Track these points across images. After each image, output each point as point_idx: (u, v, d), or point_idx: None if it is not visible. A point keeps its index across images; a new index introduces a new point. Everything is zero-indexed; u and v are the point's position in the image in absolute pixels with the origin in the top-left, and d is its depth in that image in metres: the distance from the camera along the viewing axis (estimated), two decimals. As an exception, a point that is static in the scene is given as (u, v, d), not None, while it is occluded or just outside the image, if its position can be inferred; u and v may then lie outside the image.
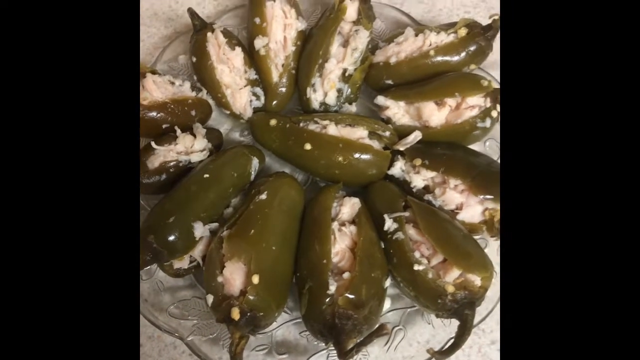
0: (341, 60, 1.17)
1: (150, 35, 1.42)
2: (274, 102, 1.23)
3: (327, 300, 0.89)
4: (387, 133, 1.11)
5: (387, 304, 1.00)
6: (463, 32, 1.15)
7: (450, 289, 0.90)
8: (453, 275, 0.92)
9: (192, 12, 1.18)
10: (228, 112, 1.21)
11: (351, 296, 0.88)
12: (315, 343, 1.01)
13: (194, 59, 1.19)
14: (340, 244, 0.97)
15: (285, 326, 1.04)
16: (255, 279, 0.89)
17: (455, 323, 0.93)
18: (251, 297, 0.88)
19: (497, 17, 1.12)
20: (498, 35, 1.17)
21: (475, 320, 0.93)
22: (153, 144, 1.06)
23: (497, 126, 1.16)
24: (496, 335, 1.07)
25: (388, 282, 0.96)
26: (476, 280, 0.92)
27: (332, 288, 0.89)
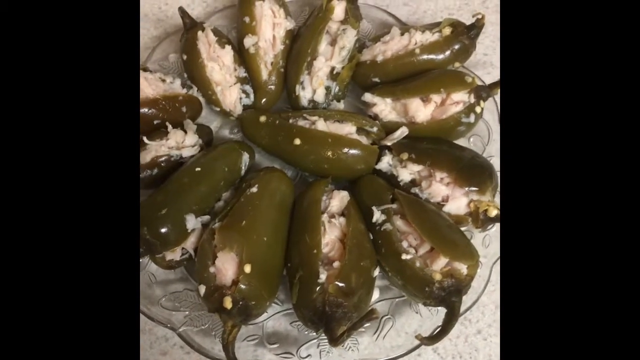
0: (329, 58, 1.20)
1: (140, 35, 1.44)
2: (264, 100, 1.25)
3: (318, 288, 0.90)
4: (375, 129, 1.14)
5: (375, 294, 1.01)
6: (447, 31, 1.18)
7: (438, 277, 0.92)
8: (440, 263, 0.94)
9: (182, 11, 1.21)
10: (218, 109, 1.23)
11: (341, 284, 0.90)
12: (306, 333, 1.02)
13: (185, 57, 1.21)
14: (330, 235, 0.99)
15: (276, 317, 1.05)
16: (247, 268, 0.90)
17: (442, 313, 0.96)
18: (243, 286, 0.90)
19: (480, 17, 1.16)
20: (481, 35, 1.21)
21: (461, 309, 0.96)
22: (145, 139, 1.07)
23: (481, 122, 1.20)
24: (482, 324, 1.10)
25: (377, 272, 0.98)
26: (462, 268, 0.94)
27: (323, 277, 0.91)
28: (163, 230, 0.96)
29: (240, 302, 0.90)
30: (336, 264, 0.94)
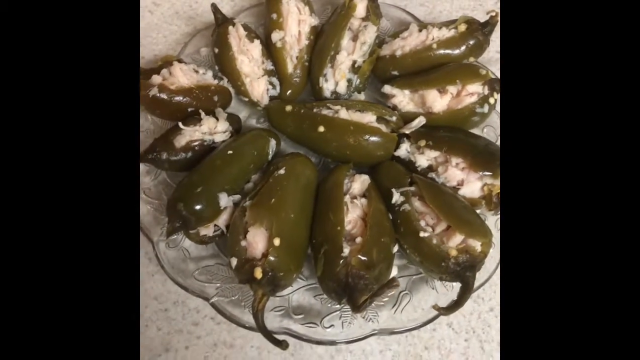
0: (351, 52, 1.28)
1: (172, 32, 1.52)
2: (289, 91, 1.33)
3: (341, 262, 0.97)
4: (394, 118, 1.21)
5: (394, 271, 1.08)
6: (463, 27, 1.25)
7: (453, 252, 0.98)
8: (456, 240, 1.00)
9: (215, 7, 1.29)
10: (246, 99, 1.31)
11: (363, 258, 0.97)
12: (329, 305, 1.09)
13: (216, 50, 1.30)
14: (352, 214, 1.06)
15: (300, 291, 1.12)
16: (277, 242, 0.97)
17: (456, 289, 1.02)
18: (272, 258, 0.97)
19: (494, 14, 1.23)
20: (494, 33, 1.28)
21: (475, 286, 1.02)
22: (180, 124, 1.15)
23: (495, 114, 1.27)
24: (494, 302, 1.16)
25: (396, 249, 1.05)
26: (477, 245, 1.00)
27: (346, 251, 0.97)
28: (198, 207, 1.03)
29: (270, 273, 0.97)
30: (358, 240, 1.00)
